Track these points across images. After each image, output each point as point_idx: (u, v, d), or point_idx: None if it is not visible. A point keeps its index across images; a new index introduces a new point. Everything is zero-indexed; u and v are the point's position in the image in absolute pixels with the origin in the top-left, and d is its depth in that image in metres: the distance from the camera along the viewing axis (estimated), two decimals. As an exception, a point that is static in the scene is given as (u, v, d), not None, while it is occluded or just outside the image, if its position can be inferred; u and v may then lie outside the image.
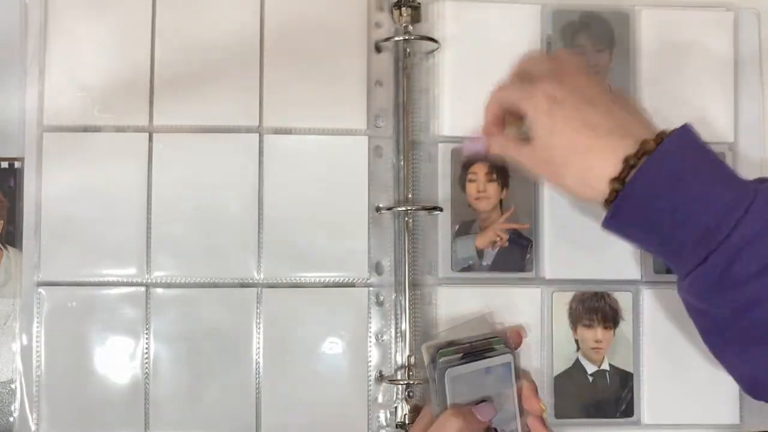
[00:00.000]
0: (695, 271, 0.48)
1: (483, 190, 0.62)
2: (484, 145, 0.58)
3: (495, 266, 0.62)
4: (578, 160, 0.51)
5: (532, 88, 0.54)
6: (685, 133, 0.49)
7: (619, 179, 0.49)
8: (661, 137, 0.49)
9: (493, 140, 0.58)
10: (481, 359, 0.56)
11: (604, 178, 0.49)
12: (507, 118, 0.58)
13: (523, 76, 0.56)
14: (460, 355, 0.56)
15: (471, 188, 0.62)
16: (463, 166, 0.63)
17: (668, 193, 0.47)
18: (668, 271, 0.63)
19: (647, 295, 0.63)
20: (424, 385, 0.60)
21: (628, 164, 0.48)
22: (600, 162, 0.50)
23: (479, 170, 0.63)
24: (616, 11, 0.64)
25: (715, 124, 0.64)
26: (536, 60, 0.57)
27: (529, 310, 0.62)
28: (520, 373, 0.58)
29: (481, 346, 0.57)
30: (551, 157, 0.52)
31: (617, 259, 0.63)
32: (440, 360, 0.55)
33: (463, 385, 0.55)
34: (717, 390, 0.62)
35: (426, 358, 0.56)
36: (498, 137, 0.57)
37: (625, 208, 0.49)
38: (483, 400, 0.55)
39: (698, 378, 0.62)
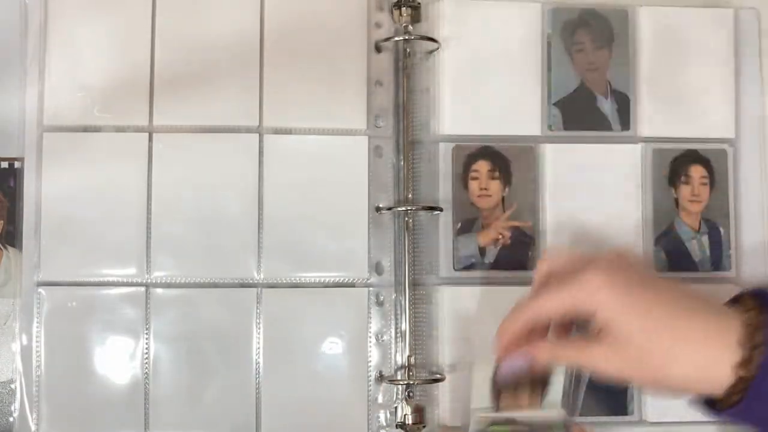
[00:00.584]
0: None
1: (485, 187, 0.62)
2: (527, 359, 0.49)
3: (497, 264, 0.62)
4: (688, 347, 0.45)
5: (584, 278, 0.46)
6: None
7: (744, 365, 0.44)
8: (753, 305, 0.45)
9: (541, 349, 0.49)
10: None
11: (724, 362, 0.44)
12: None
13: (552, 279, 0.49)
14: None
15: (473, 186, 0.62)
16: (465, 163, 0.62)
17: None
18: (671, 269, 0.63)
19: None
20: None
21: (747, 347, 0.44)
22: (714, 342, 0.44)
23: (481, 168, 0.62)
24: (616, 9, 0.64)
25: (715, 122, 0.64)
26: (557, 259, 0.51)
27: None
28: None
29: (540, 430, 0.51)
30: (650, 350, 0.45)
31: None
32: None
33: None
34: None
35: (473, 428, 0.52)
36: (544, 345, 0.49)
37: (763, 394, 0.44)
38: None
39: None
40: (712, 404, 0.47)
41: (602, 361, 0.46)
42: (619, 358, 0.46)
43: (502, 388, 0.52)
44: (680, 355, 0.45)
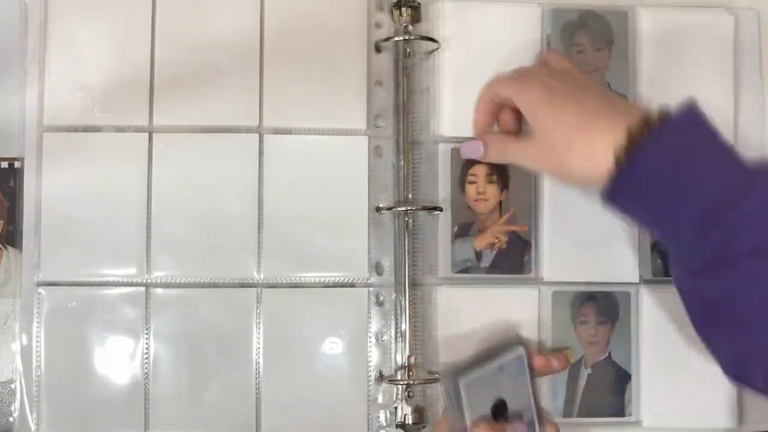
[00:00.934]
0: (692, 248, 0.48)
1: (483, 191, 0.62)
2: (482, 149, 0.59)
3: (493, 268, 0.62)
4: (582, 139, 0.51)
5: (526, 79, 0.55)
6: (692, 108, 0.50)
7: (625, 148, 0.49)
8: (664, 113, 0.50)
9: (491, 144, 0.59)
10: (492, 359, 0.55)
11: (607, 150, 0.50)
12: (500, 116, 0.59)
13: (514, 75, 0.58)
14: (472, 361, 0.55)
15: (471, 189, 0.62)
16: (464, 167, 0.62)
17: (674, 167, 0.48)
18: (666, 273, 0.63)
19: (645, 296, 0.63)
20: (440, 401, 0.59)
21: (631, 134, 0.49)
22: (604, 136, 0.50)
23: (479, 171, 0.62)
24: (615, 10, 0.64)
25: (714, 120, 0.64)
26: (529, 66, 0.60)
27: (527, 311, 0.62)
28: (534, 365, 0.57)
29: (496, 350, 0.56)
30: (554, 144, 0.53)
31: (616, 261, 0.63)
32: (453, 371, 0.54)
33: (477, 389, 0.54)
34: (716, 393, 0.62)
35: (444, 379, 0.55)
36: (495, 140, 0.58)
37: (629, 180, 0.49)
38: (501, 400, 0.54)
39: (697, 381, 0.62)
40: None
41: (526, 155, 0.55)
42: (534, 151, 0.54)
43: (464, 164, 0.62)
44: (576, 147, 0.51)
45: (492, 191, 0.62)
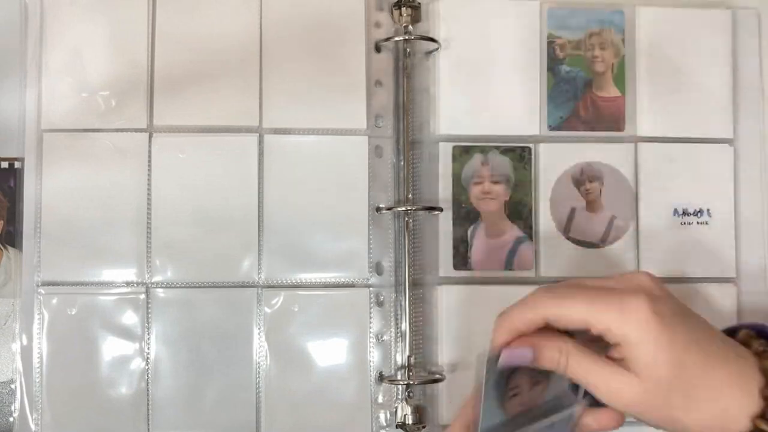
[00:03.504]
0: None
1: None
2: (530, 357, 0.43)
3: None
4: (708, 397, 0.42)
5: (620, 299, 0.42)
6: None
7: (762, 416, 0.41)
8: None
9: (546, 347, 0.43)
10: (545, 416, 0.46)
11: (744, 416, 0.41)
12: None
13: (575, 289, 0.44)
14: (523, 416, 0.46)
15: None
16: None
17: None
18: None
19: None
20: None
21: (765, 395, 0.41)
22: (737, 397, 0.41)
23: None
24: (614, 10, 0.64)
25: (714, 122, 0.64)
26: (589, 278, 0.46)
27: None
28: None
29: (551, 404, 0.47)
30: (668, 391, 0.41)
31: (616, 257, 0.63)
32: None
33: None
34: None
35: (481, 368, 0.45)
36: (553, 346, 0.43)
37: None
38: None
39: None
40: None
41: (618, 386, 0.42)
42: (637, 390, 0.42)
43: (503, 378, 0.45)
44: (702, 401, 0.42)
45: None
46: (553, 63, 0.64)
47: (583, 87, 0.64)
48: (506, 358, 0.43)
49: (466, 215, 0.62)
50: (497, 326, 0.44)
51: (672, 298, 0.43)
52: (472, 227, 0.62)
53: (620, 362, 0.42)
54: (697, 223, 0.64)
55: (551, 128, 0.63)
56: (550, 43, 0.64)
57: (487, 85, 0.63)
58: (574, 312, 0.42)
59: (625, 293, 0.42)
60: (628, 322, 0.41)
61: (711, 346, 0.42)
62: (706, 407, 0.41)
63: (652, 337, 0.41)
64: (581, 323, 0.42)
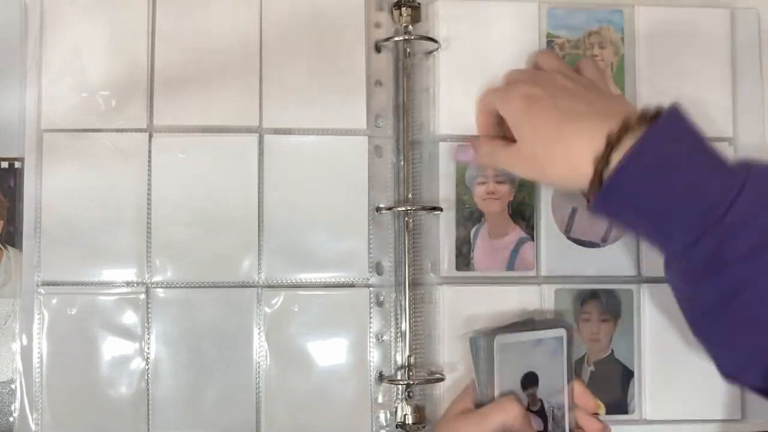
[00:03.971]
0: (685, 254, 0.48)
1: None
2: (472, 155, 0.60)
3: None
4: (561, 148, 0.51)
5: (510, 90, 0.56)
6: (676, 113, 0.49)
7: (604, 157, 0.49)
8: (646, 116, 0.49)
9: (480, 149, 0.59)
10: (532, 329, 0.56)
11: (587, 160, 0.50)
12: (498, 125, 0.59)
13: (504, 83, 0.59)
14: (510, 326, 0.57)
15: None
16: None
17: (659, 175, 0.47)
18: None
19: (647, 293, 0.63)
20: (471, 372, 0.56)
21: (610, 142, 0.49)
22: (583, 145, 0.50)
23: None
24: (613, 9, 0.64)
25: (713, 120, 0.64)
26: (518, 70, 0.60)
27: (530, 308, 0.62)
28: (572, 352, 0.57)
29: (538, 324, 0.58)
30: (535, 153, 0.53)
31: (617, 256, 0.63)
32: (490, 330, 0.55)
33: (511, 354, 0.54)
34: (719, 385, 0.62)
35: (471, 336, 0.55)
36: (484, 145, 0.59)
37: (612, 190, 0.48)
38: (532, 373, 0.55)
39: (699, 375, 0.62)
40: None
41: (511, 161, 0.56)
42: (519, 159, 0.55)
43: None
44: (556, 157, 0.52)
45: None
46: (552, 62, 0.64)
47: (582, 86, 0.64)
48: (456, 154, 0.62)
49: (469, 215, 0.62)
50: (476, 119, 0.61)
51: (552, 84, 0.55)
52: (475, 228, 0.62)
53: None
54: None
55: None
56: (549, 43, 0.64)
57: (487, 85, 0.63)
58: (490, 101, 0.58)
59: (515, 85, 0.57)
60: (507, 106, 0.56)
61: (571, 110, 0.52)
62: (558, 156, 0.52)
63: (518, 115, 0.54)
64: (494, 107, 0.57)
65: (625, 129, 0.49)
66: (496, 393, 0.54)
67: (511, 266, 0.62)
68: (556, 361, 0.56)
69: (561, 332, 0.56)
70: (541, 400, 0.55)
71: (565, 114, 0.52)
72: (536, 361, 0.55)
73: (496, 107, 0.57)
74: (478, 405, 0.55)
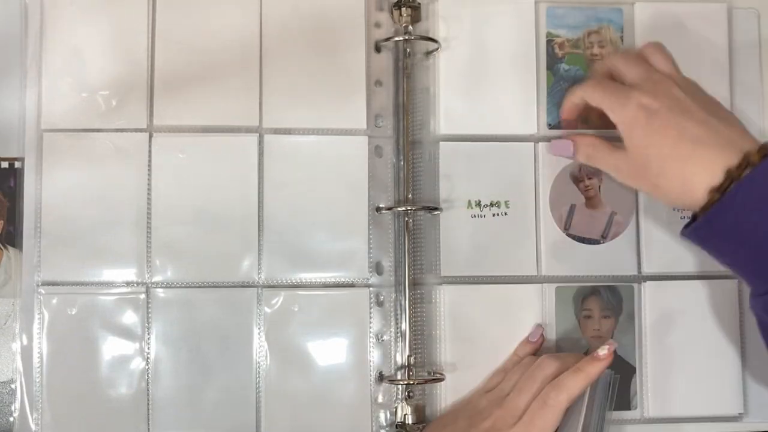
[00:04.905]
0: None
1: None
2: (571, 149, 0.59)
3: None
4: (677, 169, 0.51)
5: (625, 96, 0.54)
6: None
7: (719, 190, 0.49)
8: (765, 150, 0.50)
9: (581, 145, 0.59)
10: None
11: (703, 187, 0.50)
12: (588, 113, 0.60)
13: (612, 75, 0.58)
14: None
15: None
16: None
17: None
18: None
19: (649, 290, 0.63)
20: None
21: (730, 176, 0.49)
22: (701, 171, 0.50)
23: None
24: (612, 7, 0.64)
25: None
26: (626, 60, 0.57)
27: (531, 308, 0.62)
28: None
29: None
30: (647, 167, 0.53)
31: (617, 252, 0.63)
32: None
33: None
34: (720, 381, 0.62)
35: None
36: (586, 142, 0.58)
37: (720, 219, 0.49)
38: None
39: (701, 370, 0.62)
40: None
41: (615, 167, 0.56)
42: (626, 169, 0.55)
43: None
44: (670, 177, 0.52)
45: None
46: (552, 61, 0.64)
47: (581, 85, 0.64)
48: (553, 147, 0.61)
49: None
50: (566, 97, 0.60)
51: (671, 98, 0.53)
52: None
53: (621, 146, 0.55)
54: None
55: (551, 127, 0.63)
56: (549, 42, 0.64)
57: (487, 85, 0.63)
58: (597, 99, 0.56)
59: (630, 90, 0.54)
60: (621, 112, 0.54)
61: (691, 133, 0.51)
62: (672, 176, 0.52)
63: (634, 125, 0.53)
64: (601, 107, 0.56)
65: (746, 164, 0.49)
66: None
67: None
68: (575, 412, 0.56)
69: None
70: None
71: (685, 135, 0.51)
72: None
73: (600, 106, 0.56)
74: None
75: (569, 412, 0.55)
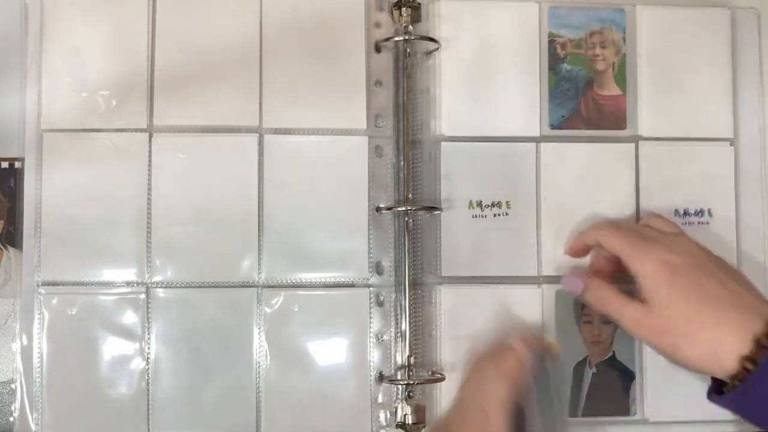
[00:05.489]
0: None
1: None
2: (580, 289, 0.57)
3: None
4: (705, 333, 0.50)
5: (646, 249, 0.54)
6: None
7: (751, 359, 0.49)
8: None
9: (592, 289, 0.57)
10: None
11: (734, 355, 0.49)
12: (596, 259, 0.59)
13: (634, 227, 0.59)
14: None
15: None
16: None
17: None
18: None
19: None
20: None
21: (761, 345, 0.49)
22: (730, 338, 0.50)
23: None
24: (615, 8, 0.64)
25: (714, 121, 0.64)
26: (653, 218, 0.58)
27: (530, 310, 0.62)
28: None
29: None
30: (670, 327, 0.52)
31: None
32: None
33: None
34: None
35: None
36: (598, 287, 0.56)
37: (756, 389, 0.48)
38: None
39: (699, 375, 0.62)
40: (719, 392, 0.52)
41: (633, 321, 0.54)
42: (647, 324, 0.53)
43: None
44: (696, 335, 0.51)
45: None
46: (554, 62, 0.64)
47: (584, 86, 0.64)
48: (566, 282, 0.59)
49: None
50: (579, 236, 0.60)
51: (692, 256, 0.53)
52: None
53: (641, 300, 0.53)
54: (699, 222, 0.63)
55: (552, 127, 0.63)
56: (551, 42, 0.64)
57: (488, 85, 0.63)
58: (616, 246, 0.55)
59: (651, 244, 0.54)
60: (642, 265, 0.53)
61: (714, 294, 0.51)
62: (698, 341, 0.50)
63: (656, 281, 0.52)
64: (618, 254, 0.55)
65: None
66: None
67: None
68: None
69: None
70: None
71: (709, 297, 0.51)
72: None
73: (619, 254, 0.55)
74: None
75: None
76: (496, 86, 0.63)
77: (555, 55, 0.64)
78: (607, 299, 0.55)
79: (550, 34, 0.64)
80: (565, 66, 0.64)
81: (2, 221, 0.61)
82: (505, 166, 0.63)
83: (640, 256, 0.53)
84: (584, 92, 0.64)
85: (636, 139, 0.64)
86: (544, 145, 0.63)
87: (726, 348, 0.49)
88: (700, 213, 0.63)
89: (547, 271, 0.63)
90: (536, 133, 0.63)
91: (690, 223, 0.63)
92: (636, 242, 0.54)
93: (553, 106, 0.63)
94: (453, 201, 0.62)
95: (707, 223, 0.63)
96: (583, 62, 0.64)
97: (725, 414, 0.61)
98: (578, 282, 0.57)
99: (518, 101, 0.63)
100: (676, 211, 0.63)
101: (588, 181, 0.63)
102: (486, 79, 0.63)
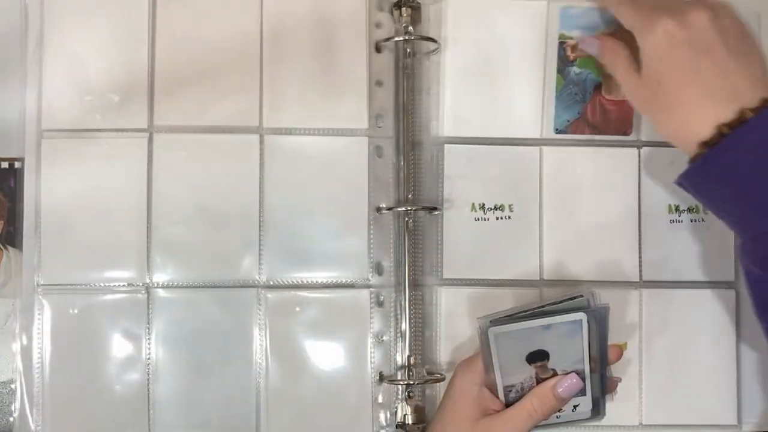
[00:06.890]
0: (762, 240, 0.50)
1: None
2: (596, 48, 0.60)
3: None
4: (678, 114, 0.52)
5: (653, 19, 0.53)
6: None
7: (708, 144, 0.50)
8: (766, 102, 0.50)
9: (606, 49, 0.59)
10: (537, 317, 0.54)
11: (696, 138, 0.51)
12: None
13: None
14: (510, 314, 0.55)
15: None
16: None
17: (761, 159, 0.49)
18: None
19: (646, 296, 0.63)
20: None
21: (719, 132, 0.50)
22: (697, 123, 0.51)
23: None
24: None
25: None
26: None
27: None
28: (603, 331, 0.55)
29: (550, 309, 0.55)
30: (654, 99, 0.54)
31: (616, 260, 0.63)
32: (495, 318, 0.55)
33: (511, 340, 0.54)
34: (715, 390, 0.62)
35: (479, 323, 0.55)
36: (612, 48, 0.58)
37: (717, 162, 0.50)
38: (538, 350, 0.54)
39: (697, 378, 0.62)
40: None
41: (629, 89, 0.56)
42: (638, 95, 0.56)
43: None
44: (672, 113, 0.53)
45: None
46: (563, 64, 0.63)
47: (592, 89, 0.63)
48: (584, 42, 0.61)
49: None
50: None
51: (699, 31, 0.52)
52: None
53: (640, 68, 0.55)
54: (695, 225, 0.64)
55: (558, 131, 0.63)
56: (561, 44, 0.63)
57: (493, 86, 0.63)
58: (623, 13, 0.55)
59: (661, 16, 0.53)
60: (645, 37, 0.53)
61: (707, 75, 0.51)
62: (673, 116, 0.53)
63: (654, 50, 0.53)
64: (625, 24, 0.55)
65: (738, 122, 0.50)
66: (497, 376, 0.55)
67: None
68: (572, 342, 0.54)
69: (579, 316, 0.54)
70: (553, 369, 0.55)
71: (702, 80, 0.52)
72: (545, 343, 0.54)
73: (631, 23, 0.55)
74: (486, 384, 0.56)
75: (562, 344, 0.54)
76: (503, 88, 0.63)
77: (564, 57, 0.63)
78: (617, 62, 0.57)
79: (562, 35, 0.63)
80: (574, 69, 0.63)
81: (2, 221, 0.61)
82: (508, 169, 0.63)
83: (645, 28, 0.53)
84: (591, 96, 0.63)
85: (640, 145, 0.63)
86: (547, 149, 0.63)
87: (689, 131, 0.51)
88: (699, 216, 0.64)
89: (548, 275, 0.63)
90: (540, 136, 0.63)
91: (689, 228, 0.63)
92: (645, 13, 0.54)
93: (560, 109, 0.63)
94: (455, 202, 0.62)
95: (707, 227, 0.64)
96: (593, 65, 0.63)
97: (722, 417, 0.62)
98: (595, 42, 0.60)
99: (524, 104, 0.63)
100: (676, 211, 0.64)
101: (591, 185, 0.63)
102: (491, 80, 0.63)
